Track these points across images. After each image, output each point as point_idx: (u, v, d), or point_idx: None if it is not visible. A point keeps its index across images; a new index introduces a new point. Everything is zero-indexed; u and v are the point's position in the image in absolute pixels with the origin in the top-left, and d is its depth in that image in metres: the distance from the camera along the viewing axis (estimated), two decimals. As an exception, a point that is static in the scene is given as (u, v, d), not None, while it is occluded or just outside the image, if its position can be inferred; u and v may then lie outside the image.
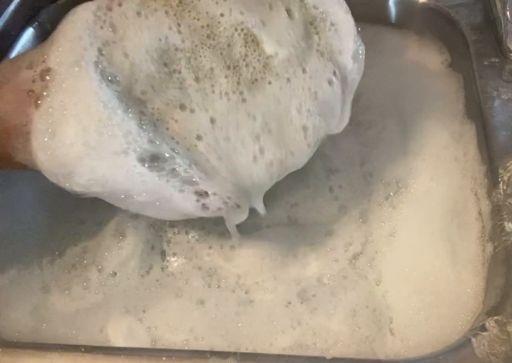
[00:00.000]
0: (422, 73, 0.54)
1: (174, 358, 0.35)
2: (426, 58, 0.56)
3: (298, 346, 0.39)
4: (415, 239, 0.44)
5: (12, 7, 0.54)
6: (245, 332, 0.40)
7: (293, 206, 0.46)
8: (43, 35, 0.56)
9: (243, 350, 0.39)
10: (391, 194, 0.46)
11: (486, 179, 0.44)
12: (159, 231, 0.45)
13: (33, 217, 0.46)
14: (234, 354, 0.35)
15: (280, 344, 0.39)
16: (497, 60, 0.50)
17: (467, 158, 0.47)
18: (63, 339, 0.40)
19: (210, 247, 0.44)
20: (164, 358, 0.35)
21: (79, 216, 0.46)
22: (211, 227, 0.45)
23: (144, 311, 0.41)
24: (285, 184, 0.46)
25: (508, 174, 0.43)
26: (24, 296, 0.42)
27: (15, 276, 0.43)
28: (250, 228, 0.45)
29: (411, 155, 0.48)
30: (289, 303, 0.41)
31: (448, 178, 0.47)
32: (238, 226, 0.41)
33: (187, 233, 0.45)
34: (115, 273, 0.43)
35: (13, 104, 0.33)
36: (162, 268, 0.43)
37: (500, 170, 0.43)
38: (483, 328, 0.36)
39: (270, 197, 0.43)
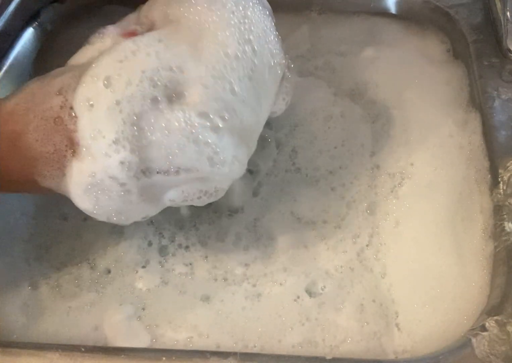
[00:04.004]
0: (424, 62, 0.54)
1: (174, 358, 0.35)
2: (428, 47, 0.56)
3: (307, 342, 0.39)
4: (419, 230, 0.44)
5: (12, 7, 0.53)
6: (252, 328, 0.40)
7: (300, 206, 0.46)
8: (43, 35, 0.56)
9: (250, 347, 0.39)
10: (396, 185, 0.46)
11: (489, 176, 0.44)
12: (159, 228, 0.45)
13: (20, 209, 0.46)
14: (234, 354, 0.35)
15: (289, 341, 0.39)
16: (497, 60, 0.50)
17: (472, 147, 0.47)
18: (55, 336, 0.40)
19: (215, 240, 0.44)
20: (164, 358, 0.35)
21: (62, 212, 0.46)
22: (214, 221, 0.45)
23: (143, 309, 0.41)
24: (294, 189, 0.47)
25: (508, 174, 0.43)
26: (13, 292, 0.42)
27: (2, 271, 0.43)
28: (256, 222, 0.45)
29: (415, 145, 0.48)
30: (298, 297, 0.41)
31: (452, 168, 0.46)
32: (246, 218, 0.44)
33: (190, 227, 0.45)
34: (109, 270, 0.43)
35: (40, 132, 0.33)
36: (161, 264, 0.43)
37: (500, 170, 0.43)
38: (483, 328, 0.36)
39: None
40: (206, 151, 0.34)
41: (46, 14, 0.56)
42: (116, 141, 0.32)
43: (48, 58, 0.55)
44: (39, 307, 0.41)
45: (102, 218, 0.35)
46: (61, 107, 0.33)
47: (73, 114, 0.33)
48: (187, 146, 0.33)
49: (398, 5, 0.58)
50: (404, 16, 0.58)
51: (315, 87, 0.53)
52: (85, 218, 0.45)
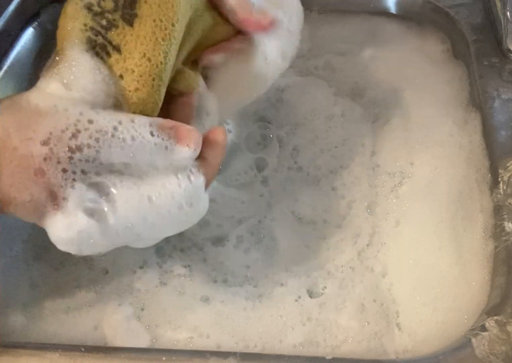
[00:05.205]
0: (424, 62, 0.55)
1: (174, 358, 0.35)
2: (429, 47, 0.56)
3: (308, 342, 0.39)
4: (419, 230, 0.44)
5: (12, 7, 0.53)
6: (253, 328, 0.40)
7: (301, 205, 0.46)
8: (43, 35, 0.56)
9: (251, 347, 0.39)
10: (396, 185, 0.46)
11: (489, 175, 0.44)
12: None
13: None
14: (234, 354, 0.35)
15: (290, 341, 0.39)
16: (497, 60, 0.50)
17: (472, 147, 0.47)
18: (55, 336, 0.39)
19: (213, 242, 0.44)
20: (164, 358, 0.35)
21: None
22: (213, 222, 0.45)
23: (142, 309, 0.41)
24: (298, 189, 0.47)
25: (508, 174, 0.43)
26: (12, 292, 0.41)
27: (2, 271, 0.42)
28: (259, 224, 0.45)
29: (415, 145, 0.48)
30: (299, 297, 0.41)
31: (452, 167, 0.46)
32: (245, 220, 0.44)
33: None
34: (107, 271, 0.43)
35: (15, 179, 0.29)
36: (158, 264, 0.43)
37: (500, 170, 0.43)
38: (483, 328, 0.36)
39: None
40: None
41: (46, 14, 0.56)
42: None
43: (48, 58, 0.55)
44: (39, 307, 0.41)
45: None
46: (45, 159, 0.28)
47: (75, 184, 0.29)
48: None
49: (398, 5, 0.58)
50: (404, 16, 0.58)
51: (315, 87, 0.53)
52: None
